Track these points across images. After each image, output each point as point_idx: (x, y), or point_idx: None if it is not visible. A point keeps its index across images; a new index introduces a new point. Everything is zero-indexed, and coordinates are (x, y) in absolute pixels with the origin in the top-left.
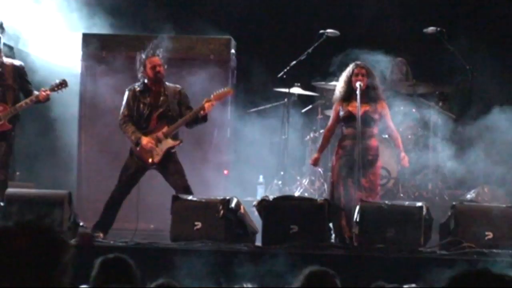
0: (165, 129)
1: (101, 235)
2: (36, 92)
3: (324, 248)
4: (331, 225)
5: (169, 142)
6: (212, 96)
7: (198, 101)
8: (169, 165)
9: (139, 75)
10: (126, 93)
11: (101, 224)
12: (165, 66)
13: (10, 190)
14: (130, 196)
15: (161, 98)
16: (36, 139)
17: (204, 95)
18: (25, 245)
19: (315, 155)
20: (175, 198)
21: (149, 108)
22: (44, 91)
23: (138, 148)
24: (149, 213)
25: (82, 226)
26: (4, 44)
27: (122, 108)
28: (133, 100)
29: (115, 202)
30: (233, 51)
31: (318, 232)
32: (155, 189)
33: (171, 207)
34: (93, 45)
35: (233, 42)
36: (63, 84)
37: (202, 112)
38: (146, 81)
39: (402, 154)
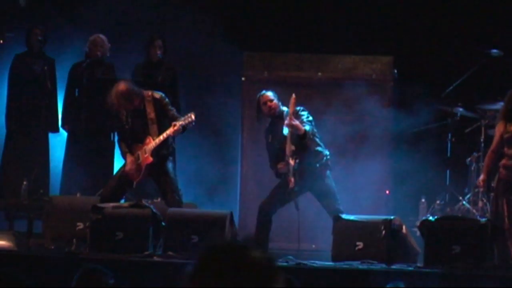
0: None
1: None
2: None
3: (486, 269)
4: (494, 245)
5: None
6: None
7: (360, 121)
8: (322, 187)
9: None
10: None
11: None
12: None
13: (171, 210)
14: (292, 217)
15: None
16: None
17: (365, 115)
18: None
19: (482, 176)
20: (337, 218)
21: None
22: (174, 125)
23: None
24: (311, 233)
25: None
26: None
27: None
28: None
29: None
30: (395, 70)
31: (481, 253)
32: (317, 209)
33: (333, 227)
34: (255, 65)
35: (395, 62)
36: (191, 117)
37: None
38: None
39: None
